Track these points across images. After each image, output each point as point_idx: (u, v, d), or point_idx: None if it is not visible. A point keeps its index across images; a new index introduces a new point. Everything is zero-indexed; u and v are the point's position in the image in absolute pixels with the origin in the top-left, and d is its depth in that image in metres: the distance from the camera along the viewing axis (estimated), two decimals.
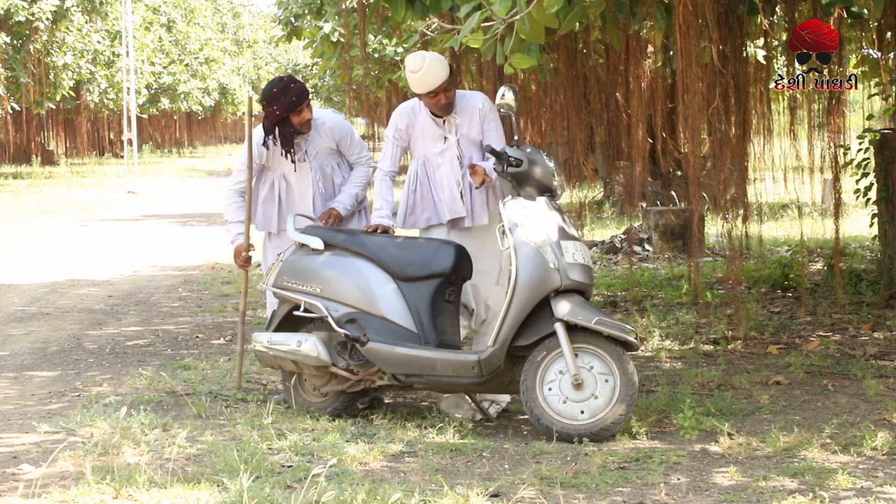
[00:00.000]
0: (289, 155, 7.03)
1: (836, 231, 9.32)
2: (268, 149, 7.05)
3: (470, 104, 6.80)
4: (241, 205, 7.19)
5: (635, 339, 6.12)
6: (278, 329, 6.71)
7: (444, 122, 6.79)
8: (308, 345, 6.46)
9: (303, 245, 6.72)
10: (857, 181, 10.55)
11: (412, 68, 6.60)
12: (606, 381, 6.05)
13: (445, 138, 6.80)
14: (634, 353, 6.48)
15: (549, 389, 6.09)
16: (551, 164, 6.38)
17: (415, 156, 6.97)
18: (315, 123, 7.07)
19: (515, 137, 6.52)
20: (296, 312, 6.64)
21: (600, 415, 6.03)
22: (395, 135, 6.92)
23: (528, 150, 6.39)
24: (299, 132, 7.01)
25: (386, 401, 6.97)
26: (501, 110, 6.48)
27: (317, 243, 6.66)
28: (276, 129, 6.98)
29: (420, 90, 6.65)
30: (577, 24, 6.99)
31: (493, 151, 6.31)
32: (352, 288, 6.49)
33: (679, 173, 16.75)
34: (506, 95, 6.42)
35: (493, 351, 6.18)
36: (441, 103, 6.68)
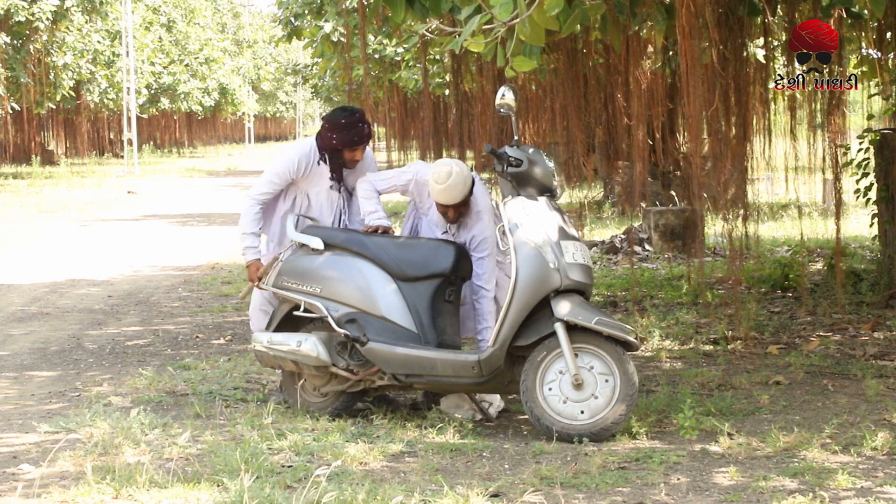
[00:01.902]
0: (335, 186, 6.96)
1: (837, 231, 9.32)
2: (318, 165, 6.98)
3: (475, 225, 6.72)
4: (260, 217, 7.02)
5: (635, 339, 6.13)
6: (278, 329, 6.71)
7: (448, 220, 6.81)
8: (308, 345, 6.47)
9: (302, 245, 6.72)
10: (857, 181, 10.56)
11: (437, 179, 6.59)
12: (606, 381, 6.05)
13: (446, 231, 6.83)
14: (634, 352, 6.47)
15: (550, 389, 6.09)
16: (551, 165, 6.39)
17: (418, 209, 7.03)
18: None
19: (515, 137, 6.53)
20: (296, 313, 6.64)
21: (600, 415, 6.04)
22: (405, 187, 6.90)
23: (529, 150, 6.39)
24: (346, 167, 6.98)
25: (389, 395, 6.96)
26: (501, 110, 6.48)
27: (317, 243, 6.66)
28: (329, 156, 6.93)
29: (436, 198, 6.65)
30: (578, 25, 6.99)
31: (493, 152, 6.32)
32: (352, 288, 6.50)
33: (679, 173, 16.74)
34: (506, 95, 6.42)
35: (493, 351, 6.19)
36: (449, 215, 6.71)
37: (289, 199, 7.09)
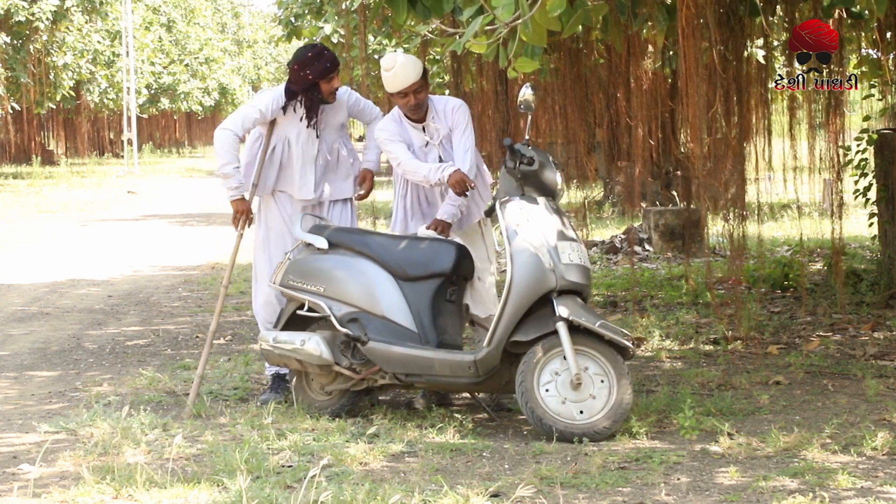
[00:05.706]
0: (310, 124, 6.95)
1: (839, 231, 9.31)
2: (284, 113, 6.97)
3: (444, 108, 6.85)
4: (237, 147, 6.96)
5: (632, 344, 6.15)
6: (286, 328, 6.74)
7: (423, 128, 6.85)
8: (311, 343, 6.49)
9: (308, 244, 6.75)
10: (856, 182, 10.56)
11: (385, 66, 6.75)
12: (602, 381, 6.07)
13: (427, 143, 6.85)
14: (630, 360, 6.43)
15: (547, 391, 6.08)
16: (557, 171, 6.44)
17: None
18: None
19: (527, 137, 6.56)
20: (300, 312, 6.67)
21: (599, 415, 6.04)
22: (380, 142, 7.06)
23: (541, 152, 6.44)
24: (325, 101, 6.96)
25: (381, 397, 6.96)
26: (521, 108, 6.52)
27: (321, 243, 6.70)
28: (304, 94, 6.90)
29: (391, 89, 6.77)
30: (580, 26, 7.00)
31: (511, 147, 6.33)
32: (354, 287, 6.53)
33: (679, 173, 16.74)
34: (527, 93, 6.46)
35: (488, 351, 6.19)
36: (410, 104, 6.76)
37: (269, 148, 7.05)
